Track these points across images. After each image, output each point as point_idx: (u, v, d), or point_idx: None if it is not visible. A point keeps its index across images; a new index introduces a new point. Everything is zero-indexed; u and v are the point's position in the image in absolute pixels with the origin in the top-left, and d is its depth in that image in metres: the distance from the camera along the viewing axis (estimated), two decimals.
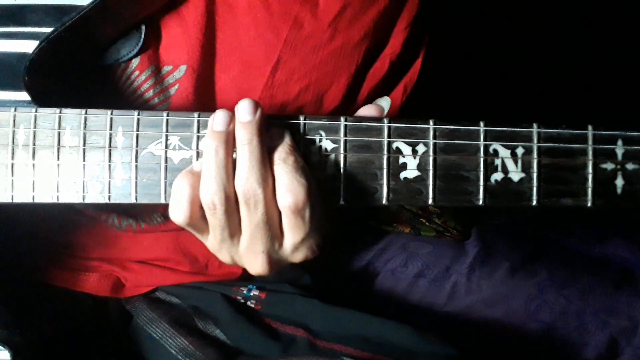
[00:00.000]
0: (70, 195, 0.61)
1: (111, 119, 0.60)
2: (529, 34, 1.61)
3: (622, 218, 1.12)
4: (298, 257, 0.62)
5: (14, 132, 0.61)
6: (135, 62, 0.71)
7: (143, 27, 0.69)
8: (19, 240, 0.79)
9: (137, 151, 0.60)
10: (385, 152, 0.59)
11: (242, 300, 0.88)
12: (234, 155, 0.58)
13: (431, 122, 0.59)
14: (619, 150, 0.59)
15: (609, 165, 0.59)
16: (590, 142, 0.59)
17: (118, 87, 0.72)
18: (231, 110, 0.58)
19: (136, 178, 0.60)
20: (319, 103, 0.77)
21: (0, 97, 0.63)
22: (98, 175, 0.60)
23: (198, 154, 0.60)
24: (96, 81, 0.71)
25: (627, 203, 0.60)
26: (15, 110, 0.61)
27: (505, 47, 1.60)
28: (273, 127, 0.59)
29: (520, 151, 0.59)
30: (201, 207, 0.58)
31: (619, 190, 0.59)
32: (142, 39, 0.69)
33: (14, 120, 0.61)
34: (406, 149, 0.59)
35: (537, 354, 0.93)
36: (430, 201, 0.59)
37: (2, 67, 0.63)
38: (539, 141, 0.59)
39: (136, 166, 0.60)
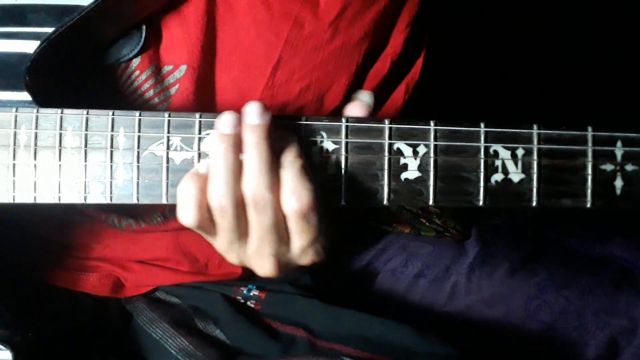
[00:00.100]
0: (71, 196, 0.61)
1: (113, 119, 0.60)
2: (529, 34, 1.61)
3: (622, 218, 1.12)
4: (305, 259, 0.61)
5: (15, 132, 0.61)
6: (135, 62, 0.71)
7: (144, 27, 0.69)
8: (19, 240, 0.79)
9: (138, 152, 0.60)
10: (386, 153, 0.59)
11: (242, 300, 0.89)
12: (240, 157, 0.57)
13: (432, 124, 0.59)
14: (619, 151, 0.59)
15: (609, 167, 0.59)
16: (590, 143, 0.59)
17: (118, 87, 0.72)
18: (230, 109, 0.58)
19: (138, 179, 0.60)
20: (320, 103, 0.77)
21: (1, 98, 0.63)
22: (100, 176, 0.60)
23: (200, 155, 0.60)
24: (97, 81, 0.70)
25: (626, 204, 0.60)
26: (16, 111, 0.61)
27: (505, 47, 1.60)
28: (279, 129, 0.58)
29: (520, 152, 0.59)
30: (209, 209, 0.57)
31: (618, 191, 0.60)
32: (142, 39, 0.69)
33: (16, 121, 0.61)
34: (407, 150, 0.59)
35: (537, 354, 0.93)
36: (430, 202, 0.59)
37: (3, 68, 0.63)
38: (539, 142, 0.59)
39: (138, 167, 0.60)
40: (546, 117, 0.62)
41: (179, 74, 0.73)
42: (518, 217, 1.16)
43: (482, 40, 1.56)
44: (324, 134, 0.60)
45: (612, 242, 1.09)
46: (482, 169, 0.59)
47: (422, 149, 0.59)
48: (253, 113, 0.56)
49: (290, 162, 0.57)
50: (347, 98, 0.78)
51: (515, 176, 0.59)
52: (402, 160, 0.59)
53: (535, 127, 0.59)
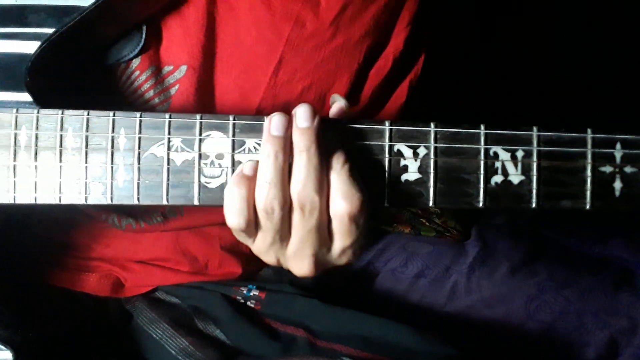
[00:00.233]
0: (72, 197, 0.61)
1: (113, 120, 0.60)
2: (529, 34, 1.61)
3: (623, 219, 1.12)
4: (343, 260, 0.62)
5: (15, 133, 0.61)
6: (135, 62, 0.71)
7: (144, 28, 0.69)
8: (19, 240, 0.79)
9: (139, 153, 0.60)
10: (387, 154, 0.59)
11: (242, 300, 0.89)
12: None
13: (432, 125, 0.59)
14: (618, 153, 0.59)
15: (608, 168, 0.60)
16: (589, 145, 0.59)
17: (118, 87, 0.72)
18: (231, 110, 0.58)
19: (138, 179, 0.60)
20: (322, 102, 0.78)
21: (1, 98, 0.63)
22: (100, 177, 0.60)
23: (200, 156, 0.60)
24: (97, 81, 0.71)
25: (625, 205, 0.60)
26: (17, 112, 0.61)
27: (505, 47, 1.60)
28: (327, 131, 0.58)
29: (520, 154, 0.59)
30: (255, 211, 0.58)
31: (617, 193, 0.60)
32: (143, 40, 0.69)
33: (16, 122, 0.61)
34: (407, 152, 0.59)
35: (537, 354, 0.93)
36: (431, 203, 0.59)
37: (3, 68, 0.63)
38: (538, 144, 0.59)
39: (138, 168, 0.60)
40: (546, 117, 0.62)
41: (179, 75, 0.73)
42: (518, 217, 1.16)
43: (482, 41, 1.56)
44: None
45: (612, 243, 1.09)
46: (482, 171, 0.59)
47: (422, 151, 0.59)
48: (303, 116, 0.56)
49: (340, 166, 0.57)
50: (350, 97, 0.78)
51: (515, 178, 0.59)
52: (403, 162, 0.59)
53: (535, 129, 0.59)
